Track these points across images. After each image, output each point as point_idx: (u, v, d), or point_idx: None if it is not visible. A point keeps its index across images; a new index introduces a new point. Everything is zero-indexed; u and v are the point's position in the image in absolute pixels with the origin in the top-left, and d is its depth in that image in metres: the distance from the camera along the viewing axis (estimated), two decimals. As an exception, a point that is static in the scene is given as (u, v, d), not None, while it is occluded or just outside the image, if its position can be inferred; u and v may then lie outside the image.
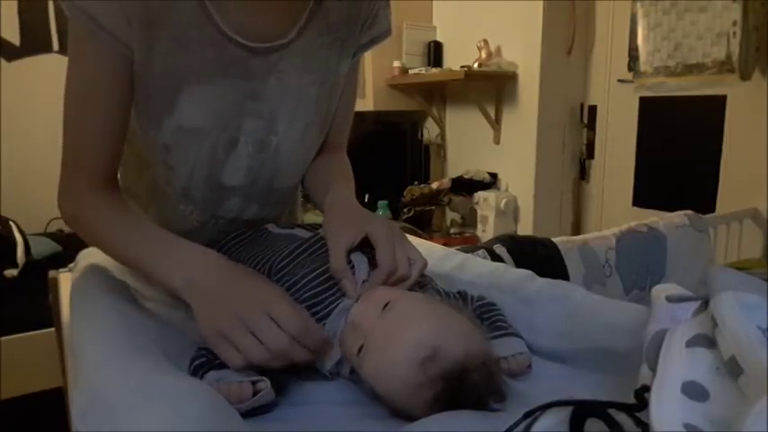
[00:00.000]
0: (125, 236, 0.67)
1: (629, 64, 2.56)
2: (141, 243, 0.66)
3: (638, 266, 1.57)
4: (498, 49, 2.81)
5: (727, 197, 2.28)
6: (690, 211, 1.77)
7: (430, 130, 3.26)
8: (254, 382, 0.54)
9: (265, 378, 0.54)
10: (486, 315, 0.69)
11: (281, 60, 0.71)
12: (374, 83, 3.05)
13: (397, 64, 3.04)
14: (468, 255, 0.98)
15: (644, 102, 2.57)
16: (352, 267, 0.65)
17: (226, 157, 0.75)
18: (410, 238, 0.93)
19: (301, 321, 0.55)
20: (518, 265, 1.25)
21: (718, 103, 2.28)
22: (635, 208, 2.64)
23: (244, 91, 0.70)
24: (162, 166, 0.77)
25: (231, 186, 0.78)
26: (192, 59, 0.66)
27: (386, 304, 0.56)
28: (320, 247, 0.71)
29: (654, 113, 2.55)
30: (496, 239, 1.42)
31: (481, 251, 1.32)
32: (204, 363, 0.56)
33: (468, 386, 0.50)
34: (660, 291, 0.53)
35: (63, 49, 2.59)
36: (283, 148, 0.78)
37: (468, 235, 2.92)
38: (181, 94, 0.68)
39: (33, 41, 2.52)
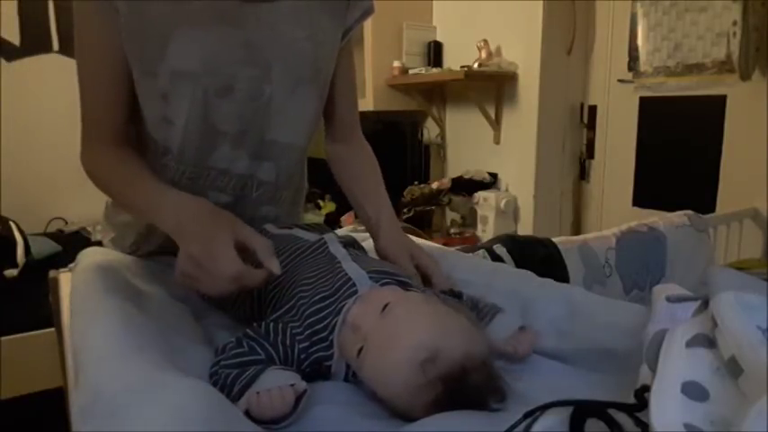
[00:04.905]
0: (127, 184, 0.76)
1: (629, 64, 2.56)
2: (139, 190, 0.74)
3: (638, 266, 1.57)
4: (498, 49, 2.81)
5: (727, 197, 2.28)
6: (690, 211, 1.77)
7: (430, 130, 3.26)
8: (292, 385, 0.51)
9: (297, 374, 0.53)
10: (472, 303, 0.69)
11: (272, 11, 0.76)
12: (374, 83, 3.05)
13: (397, 64, 3.04)
14: (468, 255, 0.99)
15: (644, 102, 2.57)
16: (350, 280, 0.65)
17: (220, 102, 0.78)
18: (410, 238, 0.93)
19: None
20: (518, 265, 1.25)
21: (718, 103, 2.28)
22: (635, 208, 2.63)
23: (237, 39, 0.75)
24: (161, 127, 0.79)
25: (223, 132, 0.80)
26: (184, 6, 0.71)
27: (385, 306, 0.56)
28: (320, 250, 0.71)
29: (654, 113, 2.55)
30: (496, 239, 1.42)
31: (481, 251, 1.32)
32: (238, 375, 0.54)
33: (468, 387, 0.50)
34: (660, 291, 0.53)
35: (63, 49, 2.58)
36: (276, 99, 0.80)
37: (468, 235, 2.92)
38: (172, 38, 0.72)
39: (33, 41, 2.52)
